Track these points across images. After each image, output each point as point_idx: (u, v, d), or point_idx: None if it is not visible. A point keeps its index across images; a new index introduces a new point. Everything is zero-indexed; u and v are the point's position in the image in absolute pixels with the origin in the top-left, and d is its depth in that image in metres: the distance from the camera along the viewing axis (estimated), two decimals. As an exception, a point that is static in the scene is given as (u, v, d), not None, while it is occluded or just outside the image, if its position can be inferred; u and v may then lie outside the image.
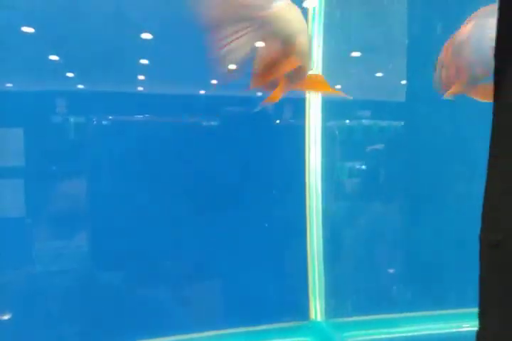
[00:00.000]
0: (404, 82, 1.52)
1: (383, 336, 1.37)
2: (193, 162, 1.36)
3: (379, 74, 1.50)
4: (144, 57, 1.38)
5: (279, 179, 1.40)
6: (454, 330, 1.39)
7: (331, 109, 1.46)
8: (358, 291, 1.42)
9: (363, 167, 1.49)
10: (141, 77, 1.40)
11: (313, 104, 1.46)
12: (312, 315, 1.36)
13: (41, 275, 1.23)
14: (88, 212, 1.32)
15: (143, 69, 1.38)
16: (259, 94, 1.37)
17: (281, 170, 1.40)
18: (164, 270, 1.30)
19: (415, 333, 1.38)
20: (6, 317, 1.17)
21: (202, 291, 1.31)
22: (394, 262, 1.48)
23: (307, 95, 1.45)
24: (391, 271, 1.47)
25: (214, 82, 1.43)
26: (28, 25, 1.25)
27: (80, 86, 1.33)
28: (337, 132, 1.48)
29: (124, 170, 1.33)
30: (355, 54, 1.50)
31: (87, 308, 1.25)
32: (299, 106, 1.46)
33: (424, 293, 1.45)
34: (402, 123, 1.50)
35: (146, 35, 1.37)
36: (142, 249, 1.28)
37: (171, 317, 1.28)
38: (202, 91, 1.43)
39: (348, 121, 1.49)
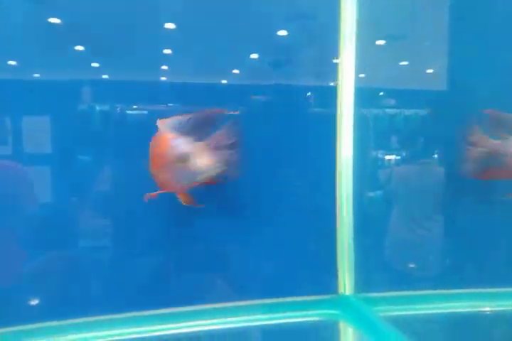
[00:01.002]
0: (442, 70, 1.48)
1: (412, 312, 1.37)
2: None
3: (414, 62, 1.46)
4: (167, 47, 1.37)
5: (310, 167, 1.40)
6: (487, 309, 1.37)
7: (364, 96, 1.43)
8: (388, 266, 1.41)
9: (396, 157, 1.47)
10: (164, 67, 1.38)
11: (346, 91, 1.42)
12: (341, 289, 1.35)
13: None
14: (115, 199, 1.32)
15: (166, 58, 1.37)
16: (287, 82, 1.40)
17: (312, 159, 1.39)
18: (195, 246, 1.32)
19: (446, 310, 1.37)
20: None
21: (231, 263, 1.34)
22: (425, 238, 1.47)
23: (339, 82, 1.42)
24: (422, 247, 1.46)
25: (236, 71, 1.40)
26: (54, 16, 1.26)
27: (105, 75, 1.34)
28: (370, 121, 1.45)
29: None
30: (388, 42, 1.46)
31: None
32: (330, 94, 1.43)
33: (457, 270, 1.44)
34: (439, 112, 1.47)
35: (169, 25, 1.36)
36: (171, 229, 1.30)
37: (202, 288, 1.31)
38: (226, 81, 1.41)
39: (381, 109, 1.47)
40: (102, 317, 1.22)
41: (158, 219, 1.28)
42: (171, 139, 1.02)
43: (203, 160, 1.02)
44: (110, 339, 1.20)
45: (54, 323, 1.19)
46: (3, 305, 1.17)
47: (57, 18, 1.26)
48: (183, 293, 1.30)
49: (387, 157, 1.47)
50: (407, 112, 1.46)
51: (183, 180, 1.03)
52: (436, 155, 1.52)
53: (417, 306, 1.38)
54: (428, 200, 1.49)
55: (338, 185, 1.40)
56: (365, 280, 1.37)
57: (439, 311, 1.38)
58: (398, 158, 1.48)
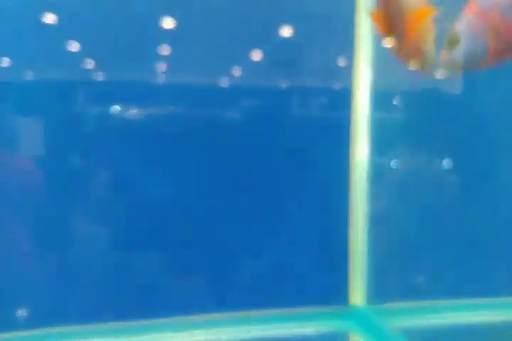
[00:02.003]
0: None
1: (425, 323, 1.31)
2: (233, 155, 1.31)
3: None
4: (165, 47, 1.31)
5: (321, 173, 1.34)
6: (498, 318, 1.32)
7: (380, 100, 1.38)
8: (401, 276, 1.36)
9: (412, 162, 1.42)
10: (162, 67, 1.32)
11: (361, 95, 1.37)
12: (352, 300, 1.31)
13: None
14: (115, 202, 1.28)
15: (165, 58, 1.32)
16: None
17: (324, 164, 1.34)
18: (202, 251, 1.28)
19: (462, 321, 1.32)
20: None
21: (240, 272, 1.30)
22: (440, 249, 1.41)
23: (353, 85, 1.37)
24: (437, 257, 1.40)
25: (237, 72, 1.35)
26: (50, 15, 1.20)
27: (101, 76, 1.28)
28: (385, 125, 1.39)
29: (147, 159, 1.27)
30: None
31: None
32: (344, 97, 1.38)
33: (470, 279, 1.38)
34: (455, 115, 1.40)
35: (168, 24, 1.29)
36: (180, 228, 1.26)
37: (209, 296, 1.27)
38: (230, 82, 1.35)
39: (396, 113, 1.42)
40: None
41: (156, 224, 1.24)
42: None
43: None
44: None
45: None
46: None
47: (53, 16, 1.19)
48: (192, 301, 1.26)
49: (401, 161, 1.42)
50: (422, 115, 1.40)
51: None
52: (450, 159, 1.45)
53: (430, 317, 1.32)
54: (442, 208, 1.43)
55: (353, 194, 1.35)
56: (377, 291, 1.32)
57: (453, 322, 1.33)
58: (413, 162, 1.42)
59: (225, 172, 1.29)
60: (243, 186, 1.30)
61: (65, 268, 1.22)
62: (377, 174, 1.38)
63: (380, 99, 1.38)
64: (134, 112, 1.29)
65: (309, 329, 1.22)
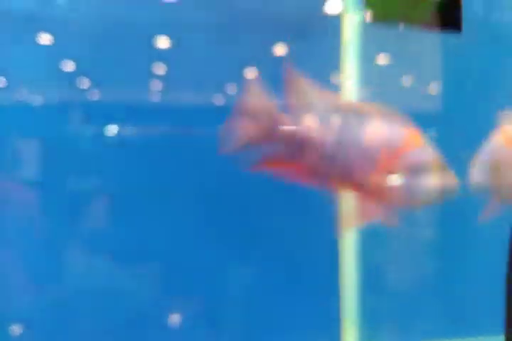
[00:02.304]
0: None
1: None
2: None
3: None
4: (159, 65, 1.32)
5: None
6: None
7: None
8: (393, 320, 1.36)
9: None
10: (157, 85, 1.33)
11: None
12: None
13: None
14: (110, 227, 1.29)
15: (159, 77, 1.33)
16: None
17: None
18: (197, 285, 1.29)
19: None
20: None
21: (237, 310, 1.32)
22: (428, 292, 1.42)
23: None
24: (425, 301, 1.40)
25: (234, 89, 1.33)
26: (45, 34, 1.23)
27: (96, 95, 1.29)
28: None
29: (140, 180, 1.26)
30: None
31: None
32: None
33: (461, 321, 1.40)
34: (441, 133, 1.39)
35: (163, 43, 1.31)
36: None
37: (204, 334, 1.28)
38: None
39: None
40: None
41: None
42: None
43: None
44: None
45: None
46: None
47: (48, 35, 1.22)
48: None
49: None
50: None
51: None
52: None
53: None
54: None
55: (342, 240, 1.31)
56: (369, 333, 1.31)
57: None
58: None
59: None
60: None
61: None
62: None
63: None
64: (129, 133, 1.30)
65: None
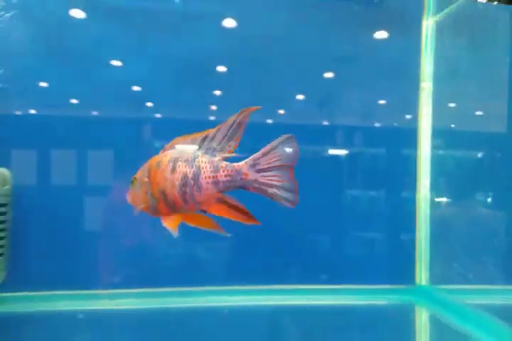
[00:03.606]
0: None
1: (481, 300, 1.41)
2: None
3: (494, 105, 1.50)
4: (217, 88, 1.47)
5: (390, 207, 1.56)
6: None
7: (442, 138, 1.56)
8: (460, 261, 1.48)
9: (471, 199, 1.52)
10: (213, 107, 1.47)
11: (424, 133, 1.56)
12: (418, 280, 1.50)
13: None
14: None
15: (216, 99, 1.47)
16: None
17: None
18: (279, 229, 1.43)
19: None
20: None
21: (318, 250, 1.51)
22: (497, 237, 1.50)
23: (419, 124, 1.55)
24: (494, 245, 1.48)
25: (281, 111, 1.49)
26: (117, 59, 1.39)
27: (158, 114, 1.44)
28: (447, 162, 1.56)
29: None
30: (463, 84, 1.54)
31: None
32: (410, 135, 1.57)
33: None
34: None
35: (221, 68, 1.46)
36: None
37: (289, 270, 1.47)
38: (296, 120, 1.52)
39: (459, 152, 1.56)
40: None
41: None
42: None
43: None
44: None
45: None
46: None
47: (119, 60, 1.39)
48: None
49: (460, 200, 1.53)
50: (481, 154, 1.51)
51: None
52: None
53: (482, 297, 1.41)
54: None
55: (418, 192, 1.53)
56: (439, 273, 1.49)
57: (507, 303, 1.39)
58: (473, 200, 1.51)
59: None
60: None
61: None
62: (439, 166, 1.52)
63: (441, 139, 1.54)
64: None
65: (381, 301, 1.44)
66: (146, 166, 0.77)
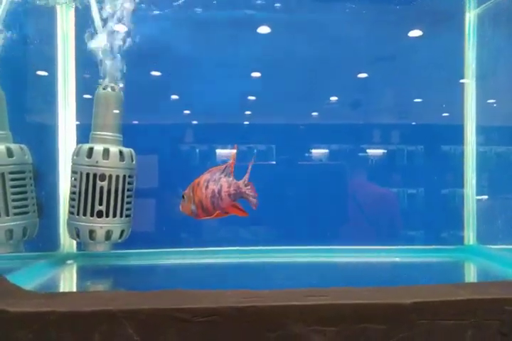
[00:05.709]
0: None
1: None
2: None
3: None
4: (251, 94, 1.53)
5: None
6: None
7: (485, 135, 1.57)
8: (508, 221, 1.51)
9: None
10: (247, 112, 1.54)
11: (469, 129, 1.58)
12: (466, 241, 1.60)
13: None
14: None
15: (250, 104, 1.54)
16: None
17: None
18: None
19: None
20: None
21: (374, 211, 1.63)
22: None
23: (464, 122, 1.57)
24: None
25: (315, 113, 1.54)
26: (156, 70, 1.49)
27: (195, 121, 1.53)
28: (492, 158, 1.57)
29: None
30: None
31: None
32: (457, 131, 1.59)
33: None
34: None
35: (255, 74, 1.52)
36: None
37: (335, 230, 1.58)
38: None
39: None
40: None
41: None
42: None
43: None
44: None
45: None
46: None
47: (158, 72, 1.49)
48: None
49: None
50: None
51: None
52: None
53: None
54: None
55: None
56: (486, 234, 1.56)
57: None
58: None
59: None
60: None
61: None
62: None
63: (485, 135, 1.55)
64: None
65: (432, 259, 1.54)
66: (191, 185, 1.14)
